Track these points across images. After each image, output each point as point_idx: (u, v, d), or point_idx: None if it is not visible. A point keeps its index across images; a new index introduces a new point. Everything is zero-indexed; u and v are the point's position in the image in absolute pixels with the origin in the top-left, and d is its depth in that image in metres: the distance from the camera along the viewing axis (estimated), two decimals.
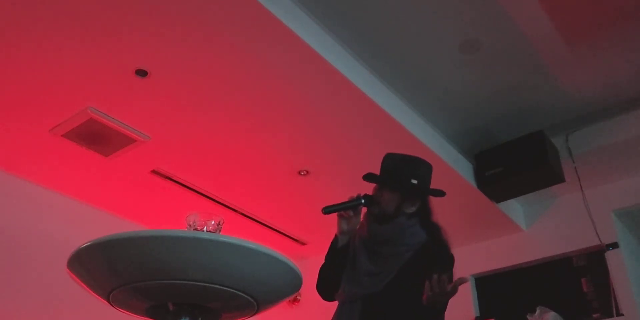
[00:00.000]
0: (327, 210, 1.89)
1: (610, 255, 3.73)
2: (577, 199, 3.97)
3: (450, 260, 1.88)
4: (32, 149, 3.40)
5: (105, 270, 1.29)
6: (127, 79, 2.91)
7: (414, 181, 1.93)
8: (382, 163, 1.99)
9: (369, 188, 2.00)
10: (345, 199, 1.92)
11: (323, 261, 1.99)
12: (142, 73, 2.88)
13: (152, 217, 4.12)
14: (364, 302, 1.78)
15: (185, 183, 3.75)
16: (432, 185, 2.02)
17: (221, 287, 1.27)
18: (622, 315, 3.51)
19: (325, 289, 1.97)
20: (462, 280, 1.61)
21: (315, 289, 1.99)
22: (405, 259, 1.84)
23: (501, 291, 4.16)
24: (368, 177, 1.96)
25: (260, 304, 1.39)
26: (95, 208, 3.98)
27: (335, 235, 1.97)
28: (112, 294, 1.34)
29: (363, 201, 1.89)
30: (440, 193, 1.99)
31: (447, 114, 3.62)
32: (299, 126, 3.22)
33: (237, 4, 2.47)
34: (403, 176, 1.94)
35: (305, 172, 3.63)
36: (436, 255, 1.84)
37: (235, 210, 4.04)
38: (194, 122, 3.22)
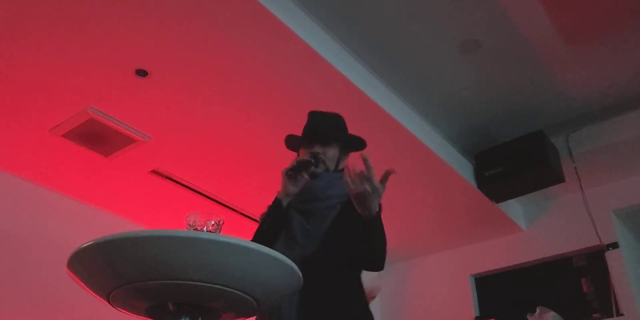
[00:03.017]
0: (292, 173, 1.82)
1: (610, 255, 3.73)
2: (577, 199, 3.97)
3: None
4: (32, 149, 3.40)
5: (105, 270, 1.29)
6: (127, 79, 2.91)
7: (350, 135, 1.96)
8: (310, 122, 1.99)
9: None
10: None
11: (258, 226, 1.89)
12: (142, 73, 2.88)
13: (152, 217, 4.12)
14: (302, 264, 1.65)
15: (185, 183, 3.75)
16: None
17: (221, 287, 1.27)
18: (622, 315, 3.51)
19: None
20: (390, 171, 1.56)
21: None
22: (336, 212, 1.79)
23: (501, 291, 4.16)
24: (310, 136, 1.93)
25: (260, 304, 1.39)
26: (95, 208, 3.98)
27: (276, 198, 1.87)
28: (112, 294, 1.33)
29: (313, 161, 1.84)
30: (363, 143, 1.99)
31: (447, 114, 3.63)
32: (299, 125, 3.22)
33: (238, 3, 2.47)
34: (341, 130, 1.96)
35: None
36: None
37: (235, 210, 4.04)
38: (194, 122, 3.22)
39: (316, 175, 1.84)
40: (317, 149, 1.89)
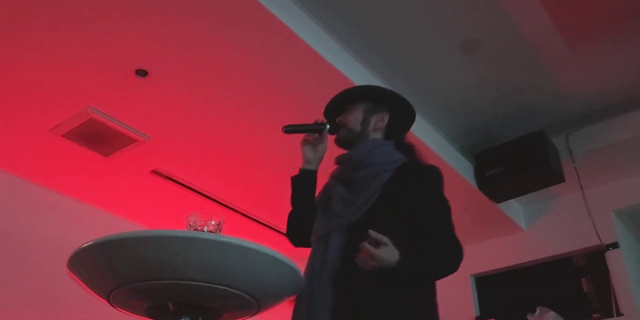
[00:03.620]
0: (288, 129, 1.76)
1: (610, 255, 3.72)
2: (577, 199, 3.96)
3: (435, 174, 1.70)
4: (32, 149, 3.40)
5: (105, 270, 1.29)
6: (127, 79, 2.91)
7: (372, 88, 1.91)
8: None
9: None
10: None
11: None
12: (142, 73, 2.88)
13: (152, 217, 4.12)
14: (345, 236, 1.57)
15: (185, 183, 3.75)
16: None
17: (221, 287, 1.27)
18: (622, 315, 3.50)
19: (294, 230, 1.79)
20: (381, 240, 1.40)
21: (285, 236, 1.83)
22: (385, 180, 1.64)
23: (501, 291, 4.15)
24: (329, 108, 1.89)
25: (260, 304, 1.39)
26: (95, 208, 3.98)
27: (300, 169, 1.80)
28: (112, 294, 1.34)
29: (328, 126, 1.79)
30: (407, 102, 1.88)
31: (448, 114, 3.62)
32: None
33: (238, 3, 2.47)
34: (365, 91, 1.89)
35: None
36: (418, 172, 1.68)
37: (235, 210, 4.04)
38: (194, 122, 3.22)
39: (356, 142, 1.78)
40: (340, 117, 1.85)
